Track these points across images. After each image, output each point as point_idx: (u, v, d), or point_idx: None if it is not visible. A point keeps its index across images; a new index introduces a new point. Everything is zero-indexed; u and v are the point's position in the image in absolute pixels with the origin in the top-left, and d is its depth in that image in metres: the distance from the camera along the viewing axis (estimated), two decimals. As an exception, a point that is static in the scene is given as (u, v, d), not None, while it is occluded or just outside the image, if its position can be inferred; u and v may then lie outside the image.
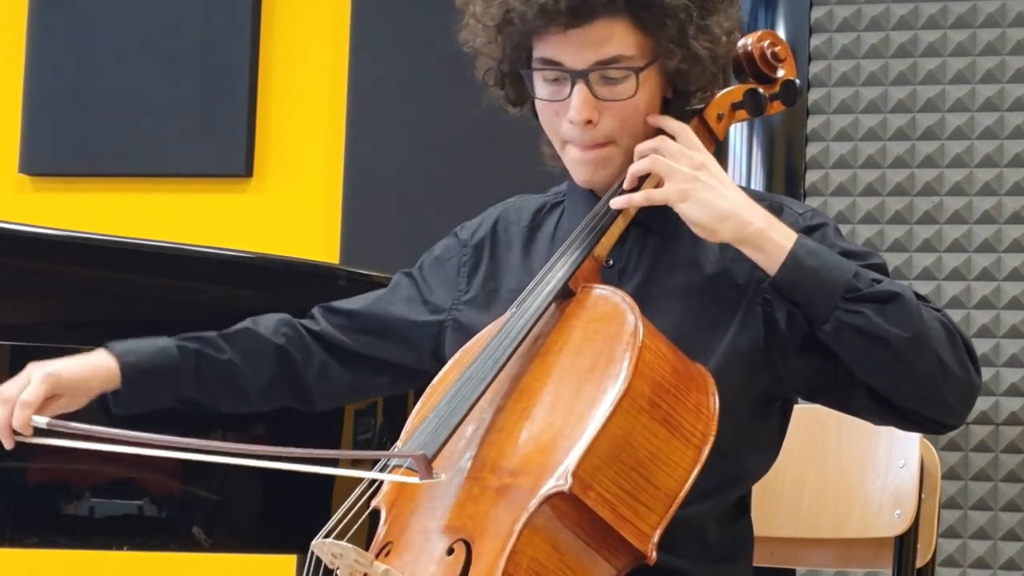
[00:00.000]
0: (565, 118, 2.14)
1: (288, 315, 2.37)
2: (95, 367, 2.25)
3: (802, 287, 2.05)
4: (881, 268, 2.12)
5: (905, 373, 2.04)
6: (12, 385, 2.18)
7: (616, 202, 2.11)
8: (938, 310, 2.08)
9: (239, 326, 2.34)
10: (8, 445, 2.17)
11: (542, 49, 2.14)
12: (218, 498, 3.02)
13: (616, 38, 2.11)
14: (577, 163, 2.18)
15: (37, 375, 2.18)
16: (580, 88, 2.11)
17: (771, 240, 2.05)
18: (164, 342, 2.29)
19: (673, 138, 2.12)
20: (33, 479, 2.90)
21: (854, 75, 3.89)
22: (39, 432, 2.15)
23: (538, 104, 2.19)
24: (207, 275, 3.23)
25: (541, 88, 2.17)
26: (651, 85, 2.15)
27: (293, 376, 2.33)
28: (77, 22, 4.55)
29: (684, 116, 2.19)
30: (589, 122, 2.13)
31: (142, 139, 4.50)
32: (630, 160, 2.15)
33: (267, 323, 2.34)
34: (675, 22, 2.11)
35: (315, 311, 2.38)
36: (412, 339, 2.33)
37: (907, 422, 2.11)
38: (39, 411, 2.16)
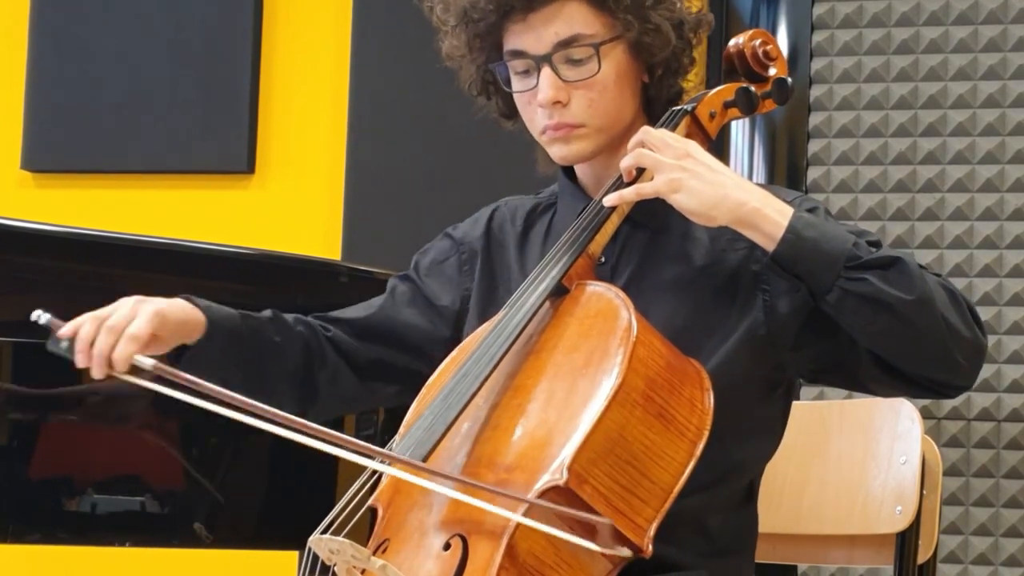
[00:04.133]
0: (537, 105, 2.17)
1: (300, 315, 2.29)
2: (190, 312, 2.12)
3: (803, 259, 2.05)
4: (877, 244, 2.11)
5: (913, 337, 2.03)
6: (117, 315, 2.02)
7: (609, 199, 2.12)
8: (938, 275, 2.08)
9: (265, 313, 2.25)
10: (99, 375, 1.99)
11: (508, 42, 2.19)
12: (220, 495, 3.02)
13: (573, 17, 2.16)
14: (549, 143, 2.20)
15: (145, 311, 2.03)
16: (545, 71, 2.16)
17: (768, 217, 2.06)
18: (227, 308, 2.19)
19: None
20: (35, 475, 2.90)
21: (856, 71, 3.89)
22: (135, 371, 1.96)
23: (516, 99, 2.22)
24: (209, 272, 3.23)
25: (515, 82, 2.21)
26: (617, 62, 2.18)
27: (308, 374, 2.27)
28: (79, 19, 4.54)
29: (677, 114, 2.20)
30: (558, 102, 2.16)
31: (144, 136, 4.49)
32: (606, 142, 2.19)
33: (288, 316, 2.27)
34: None
35: (313, 320, 2.30)
36: (422, 347, 2.30)
37: (917, 388, 2.11)
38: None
